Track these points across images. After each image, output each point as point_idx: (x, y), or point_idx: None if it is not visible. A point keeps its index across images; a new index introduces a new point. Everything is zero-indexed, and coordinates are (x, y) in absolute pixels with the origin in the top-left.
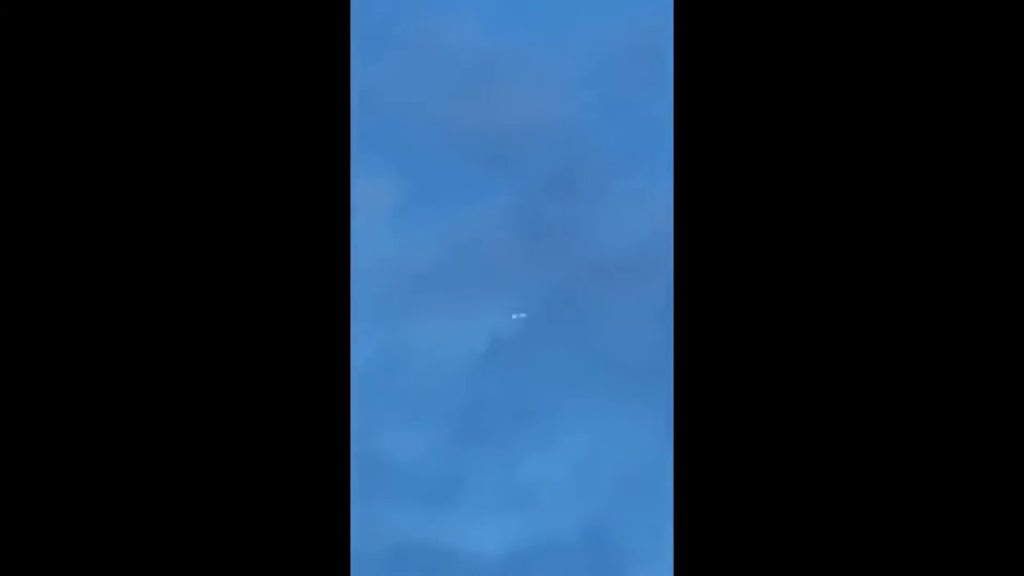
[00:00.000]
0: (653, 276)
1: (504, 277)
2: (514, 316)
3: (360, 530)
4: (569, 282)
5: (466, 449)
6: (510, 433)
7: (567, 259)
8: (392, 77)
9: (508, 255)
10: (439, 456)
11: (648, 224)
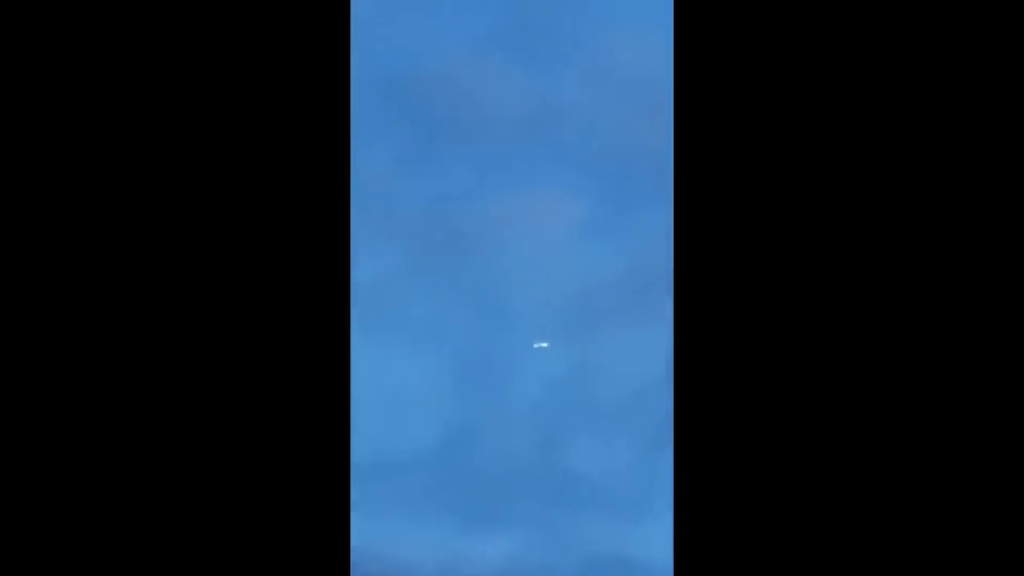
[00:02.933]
0: None
1: None
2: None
3: (553, 542)
4: None
5: (656, 460)
6: None
7: None
8: (579, 95)
9: None
10: (630, 468)
11: None
